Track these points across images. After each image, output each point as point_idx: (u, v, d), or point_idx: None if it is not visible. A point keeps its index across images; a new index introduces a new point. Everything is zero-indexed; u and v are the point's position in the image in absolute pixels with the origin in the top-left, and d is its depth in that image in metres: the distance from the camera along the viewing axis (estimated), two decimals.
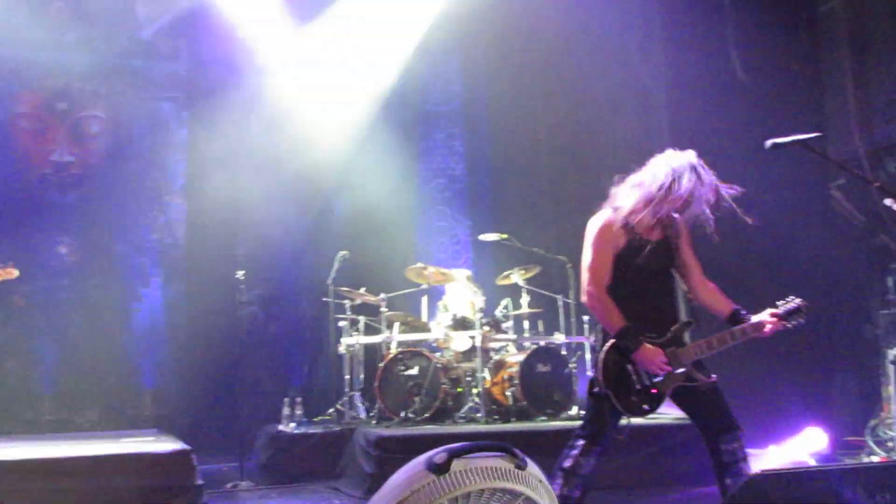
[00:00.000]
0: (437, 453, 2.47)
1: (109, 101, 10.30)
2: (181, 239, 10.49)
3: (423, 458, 2.51)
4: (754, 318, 4.27)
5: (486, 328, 8.54)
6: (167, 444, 6.53)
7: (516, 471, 2.57)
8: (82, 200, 10.12)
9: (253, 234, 10.61)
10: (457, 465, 2.47)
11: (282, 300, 10.77)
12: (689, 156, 4.27)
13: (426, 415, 7.99)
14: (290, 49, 10.47)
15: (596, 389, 4.24)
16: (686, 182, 4.17)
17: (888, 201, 4.06)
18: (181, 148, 10.59)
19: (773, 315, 4.26)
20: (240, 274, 7.83)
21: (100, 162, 10.26)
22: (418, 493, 2.42)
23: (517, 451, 2.64)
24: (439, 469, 2.43)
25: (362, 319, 8.98)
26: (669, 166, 4.24)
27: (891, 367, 8.00)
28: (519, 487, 2.54)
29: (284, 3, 10.40)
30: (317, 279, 10.01)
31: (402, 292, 9.37)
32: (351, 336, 8.85)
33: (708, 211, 4.25)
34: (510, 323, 8.99)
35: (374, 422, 8.15)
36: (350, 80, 10.75)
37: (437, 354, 8.59)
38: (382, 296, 8.81)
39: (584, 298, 4.29)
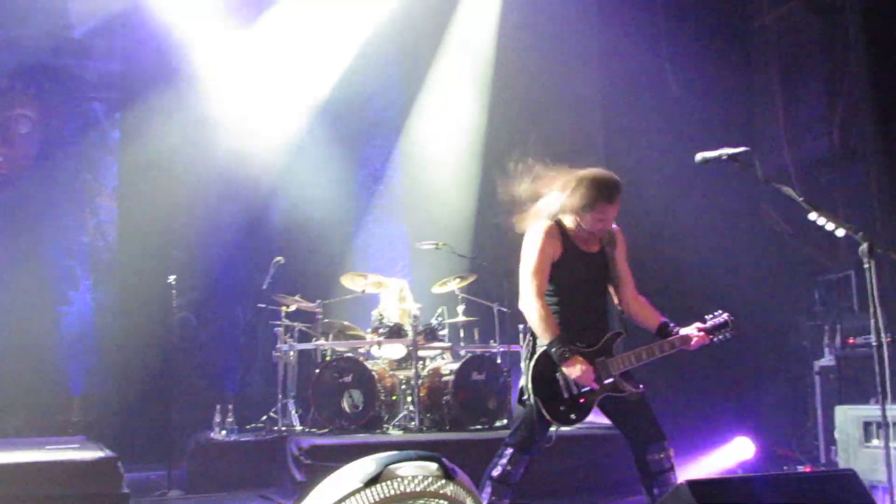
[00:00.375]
0: (366, 461, 2.46)
1: (40, 101, 10.09)
2: (113, 242, 10.30)
3: (351, 466, 2.50)
4: (682, 332, 4.34)
5: (422, 336, 8.53)
6: (93, 452, 6.39)
7: (445, 480, 2.57)
8: (10, 201, 9.88)
9: (187, 238, 10.46)
10: (386, 473, 2.47)
11: (216, 305, 10.63)
12: (610, 179, 4.34)
13: (360, 423, 7.96)
14: (227, 52, 10.35)
15: (524, 397, 4.26)
16: (583, 197, 4.24)
17: (813, 215, 4.15)
18: (113, 149, 10.41)
19: (699, 329, 4.34)
20: (172, 278, 7.72)
21: (29, 162, 10.04)
22: (346, 501, 2.41)
23: (446, 461, 2.64)
24: (368, 477, 2.42)
25: (297, 326, 8.91)
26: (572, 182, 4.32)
27: (817, 378, 8.19)
28: (447, 497, 2.54)
29: (222, 5, 10.27)
30: (252, 285, 9.92)
31: (337, 299, 9.32)
32: (285, 343, 8.77)
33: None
34: (446, 331, 8.99)
35: (306, 430, 8.08)
36: (289, 84, 10.67)
37: (372, 362, 8.56)
38: (318, 302, 8.76)
39: (521, 304, 4.31)
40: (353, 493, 2.39)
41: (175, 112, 10.23)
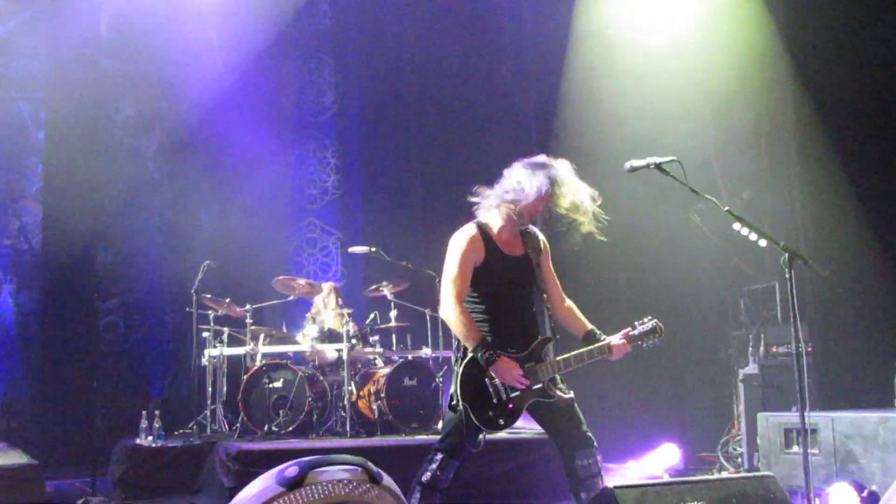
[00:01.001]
0: (289, 466, 2.45)
1: None
2: (36, 245, 10.05)
3: (274, 471, 2.48)
4: (608, 340, 4.38)
5: (354, 341, 8.50)
6: (13, 458, 6.24)
7: (370, 484, 2.56)
8: None
9: (113, 241, 10.28)
10: (309, 478, 2.45)
11: (143, 309, 10.47)
12: (543, 159, 4.37)
13: (290, 428, 7.91)
14: (153, 49, 10.19)
15: (453, 403, 4.27)
16: (536, 182, 4.26)
17: (736, 226, 4.25)
18: (38, 150, 10.17)
19: (625, 336, 4.38)
20: (98, 282, 7.57)
21: None
22: None
23: (372, 466, 2.64)
24: (291, 482, 2.40)
25: (226, 331, 8.82)
26: (519, 171, 4.34)
27: (741, 386, 8.36)
28: (372, 502, 2.54)
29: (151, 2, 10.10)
30: (180, 288, 9.79)
31: (268, 303, 9.25)
32: (214, 347, 8.67)
33: (578, 211, 4.32)
34: (377, 336, 8.97)
35: (236, 435, 8.00)
36: (218, 81, 10.51)
37: (304, 367, 8.51)
38: (248, 307, 8.67)
39: (441, 311, 4.33)
40: (274, 498, 2.37)
41: (102, 112, 10.05)
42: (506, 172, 4.42)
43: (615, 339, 4.37)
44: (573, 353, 4.33)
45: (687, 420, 9.50)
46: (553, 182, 4.27)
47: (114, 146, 10.36)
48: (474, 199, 4.46)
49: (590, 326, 4.49)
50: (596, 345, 4.36)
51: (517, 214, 4.36)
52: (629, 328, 4.43)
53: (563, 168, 4.33)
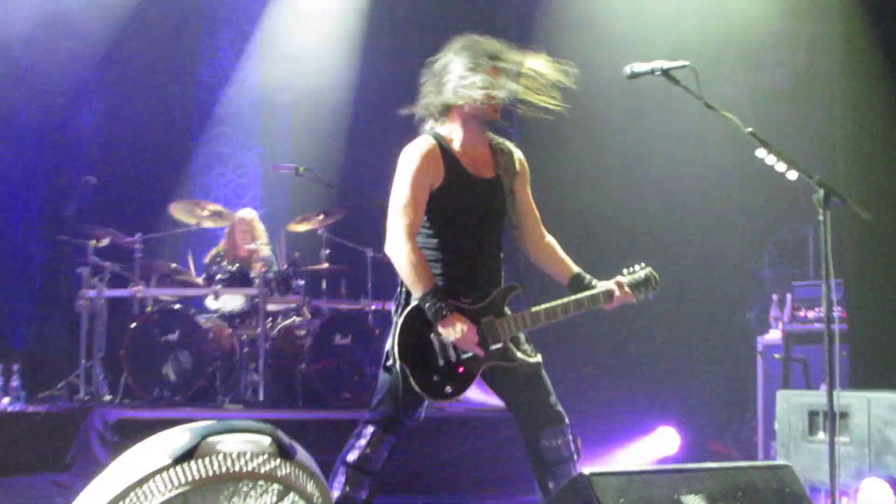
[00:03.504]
0: (178, 432, 2.45)
1: None
2: None
3: (158, 437, 2.49)
4: (600, 286, 4.41)
5: (272, 286, 8.50)
6: None
7: (280, 460, 2.58)
8: None
9: None
10: (203, 448, 2.47)
11: (3, 237, 10.39)
12: (467, 38, 4.38)
13: (187, 394, 7.94)
14: None
15: (389, 363, 4.25)
16: (469, 62, 4.27)
17: (760, 152, 4.28)
18: None
19: (618, 285, 4.41)
20: None
21: None
22: (150, 481, 2.40)
23: (284, 436, 2.66)
24: (179, 452, 2.41)
25: (109, 267, 8.76)
26: (448, 60, 4.36)
27: (759, 358, 8.48)
28: (282, 480, 2.56)
29: None
30: (51, 211, 9.70)
31: (164, 234, 9.20)
32: (93, 288, 8.63)
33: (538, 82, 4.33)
34: (303, 281, 8.97)
35: (116, 400, 8.03)
36: None
37: (207, 317, 8.50)
38: (138, 237, 8.62)
39: (386, 247, 4.31)
40: (158, 472, 2.38)
41: None
42: (426, 73, 4.41)
43: (611, 285, 4.40)
44: (555, 303, 4.31)
45: (691, 399, 9.63)
46: (493, 56, 4.27)
47: None
48: (416, 111, 4.45)
49: (577, 270, 4.50)
50: (588, 293, 4.37)
51: (472, 118, 4.34)
52: (619, 277, 4.45)
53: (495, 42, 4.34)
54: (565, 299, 4.35)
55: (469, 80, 4.25)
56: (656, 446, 8.64)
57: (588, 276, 4.48)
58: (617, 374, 9.40)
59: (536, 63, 4.34)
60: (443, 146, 4.35)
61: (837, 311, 7.06)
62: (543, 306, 4.31)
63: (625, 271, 4.48)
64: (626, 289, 4.40)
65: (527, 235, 4.52)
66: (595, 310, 4.42)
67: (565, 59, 4.41)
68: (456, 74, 4.28)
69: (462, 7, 10.13)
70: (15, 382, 8.06)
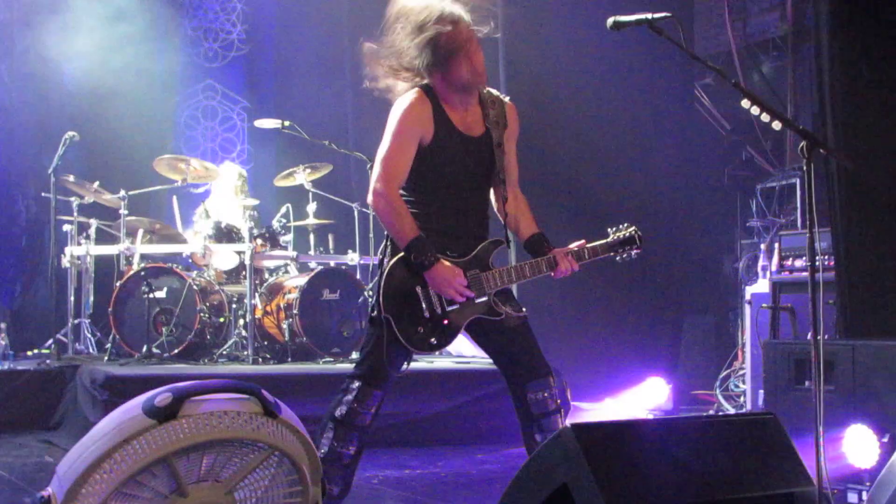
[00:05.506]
0: (160, 393, 2.47)
1: None
2: None
3: (142, 398, 2.51)
4: (556, 252, 4.40)
5: (260, 241, 8.50)
6: None
7: (264, 418, 2.60)
8: None
9: None
10: (186, 409, 2.49)
11: None
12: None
13: (176, 350, 7.97)
14: None
15: (374, 314, 4.26)
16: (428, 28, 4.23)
17: (745, 103, 4.27)
18: None
19: (597, 247, 4.45)
20: None
21: None
22: (133, 442, 2.42)
23: (267, 395, 2.67)
24: (162, 413, 2.43)
25: (95, 223, 8.76)
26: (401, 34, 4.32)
27: (748, 309, 8.52)
28: (266, 439, 2.58)
29: None
30: (35, 167, 9.67)
31: (149, 189, 9.18)
32: (79, 245, 8.62)
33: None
34: (291, 236, 8.97)
35: (105, 358, 8.04)
36: None
37: (194, 273, 8.51)
38: (123, 193, 8.59)
39: (369, 198, 4.30)
40: (140, 433, 2.40)
41: None
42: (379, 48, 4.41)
43: (562, 251, 4.40)
44: (529, 261, 4.35)
45: (679, 349, 9.68)
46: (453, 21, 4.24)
47: None
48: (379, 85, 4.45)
49: (537, 230, 4.49)
50: (543, 257, 4.38)
51: (447, 83, 4.32)
52: (581, 241, 4.46)
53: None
54: (532, 261, 4.38)
55: (442, 67, 4.26)
56: (646, 396, 8.70)
57: (547, 242, 4.47)
58: (606, 325, 9.42)
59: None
60: (434, 100, 4.33)
61: (824, 260, 7.08)
62: (524, 263, 4.35)
63: (610, 230, 4.49)
64: (571, 256, 4.41)
65: (502, 189, 4.51)
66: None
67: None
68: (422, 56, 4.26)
69: None
70: (2, 341, 8.08)
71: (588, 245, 4.47)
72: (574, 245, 4.43)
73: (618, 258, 4.49)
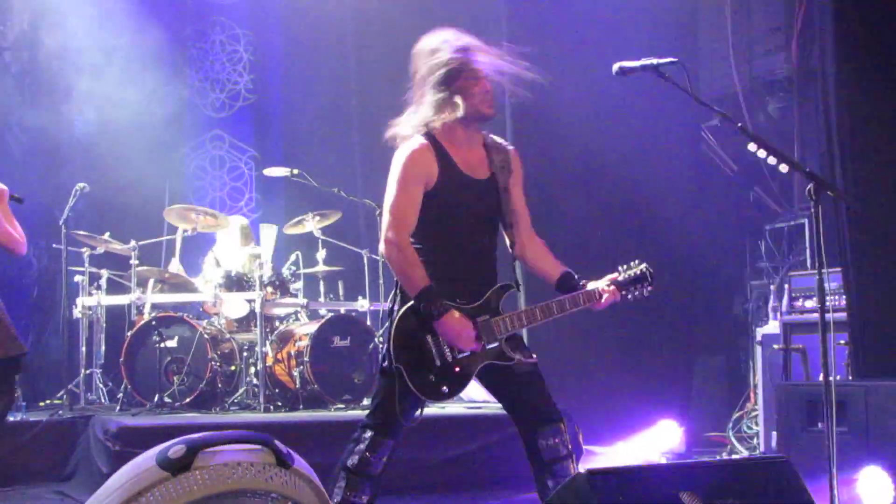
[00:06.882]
0: (174, 445, 2.47)
1: None
2: None
3: (155, 450, 2.51)
4: (590, 286, 4.44)
5: (270, 289, 8.52)
6: None
7: (277, 469, 2.61)
8: None
9: None
10: (200, 460, 2.49)
11: None
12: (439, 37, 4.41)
13: (187, 399, 7.96)
14: None
15: (386, 364, 4.27)
16: (447, 58, 4.30)
17: (752, 146, 4.29)
18: None
19: (612, 282, 4.44)
20: None
21: None
22: (148, 494, 2.42)
23: (280, 445, 2.68)
24: (175, 465, 2.44)
25: (105, 274, 8.78)
26: (422, 62, 4.39)
27: (759, 350, 8.51)
28: (279, 489, 2.58)
29: None
30: (46, 218, 9.70)
31: (159, 239, 9.21)
32: (90, 295, 8.64)
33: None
34: (300, 284, 8.99)
35: (117, 408, 8.03)
36: None
37: (205, 322, 8.52)
38: (133, 244, 8.63)
39: (381, 247, 4.33)
40: (154, 485, 2.41)
41: None
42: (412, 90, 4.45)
43: (602, 284, 4.43)
44: (549, 302, 4.35)
45: (691, 391, 9.65)
46: (464, 49, 4.31)
47: None
48: (395, 132, 4.49)
49: (565, 269, 4.52)
50: (577, 292, 4.40)
51: (463, 116, 4.35)
52: (614, 274, 4.48)
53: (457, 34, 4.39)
54: (556, 300, 4.38)
55: (453, 95, 4.32)
56: (658, 439, 8.66)
57: (577, 276, 4.50)
58: (617, 367, 9.40)
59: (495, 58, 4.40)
60: (436, 146, 4.36)
61: (835, 301, 7.07)
62: (535, 307, 4.35)
63: (620, 268, 4.50)
64: (615, 288, 4.44)
65: (517, 235, 4.54)
66: (589, 308, 4.45)
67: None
68: (431, 91, 4.33)
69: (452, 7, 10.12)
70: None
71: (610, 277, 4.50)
72: (606, 278, 4.46)
73: (630, 297, 4.49)
